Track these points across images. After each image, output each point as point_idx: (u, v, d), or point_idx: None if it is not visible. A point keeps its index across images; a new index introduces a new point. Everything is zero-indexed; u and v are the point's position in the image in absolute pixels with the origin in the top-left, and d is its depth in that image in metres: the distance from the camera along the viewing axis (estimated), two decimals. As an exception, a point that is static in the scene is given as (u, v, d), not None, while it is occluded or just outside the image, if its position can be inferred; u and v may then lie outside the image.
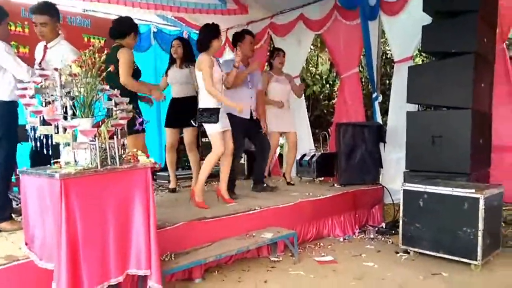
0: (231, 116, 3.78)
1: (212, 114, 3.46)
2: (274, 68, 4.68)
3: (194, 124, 3.85)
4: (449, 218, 3.12)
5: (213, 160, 3.55)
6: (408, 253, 3.37)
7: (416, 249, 3.32)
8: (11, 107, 2.90)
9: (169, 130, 4.34)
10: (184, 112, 4.04)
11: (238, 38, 4.13)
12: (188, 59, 4.22)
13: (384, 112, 5.14)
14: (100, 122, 2.36)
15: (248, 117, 4.07)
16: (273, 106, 4.60)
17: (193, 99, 4.13)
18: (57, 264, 1.96)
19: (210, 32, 3.53)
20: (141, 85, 3.69)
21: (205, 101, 3.53)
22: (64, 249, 1.92)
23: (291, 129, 4.73)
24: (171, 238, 2.79)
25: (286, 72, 4.83)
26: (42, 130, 2.24)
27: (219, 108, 3.47)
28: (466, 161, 3.53)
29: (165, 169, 5.01)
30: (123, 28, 3.66)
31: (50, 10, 3.09)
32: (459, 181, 3.45)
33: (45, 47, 3.13)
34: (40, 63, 3.11)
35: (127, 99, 2.57)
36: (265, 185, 4.32)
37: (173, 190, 4.40)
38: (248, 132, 4.16)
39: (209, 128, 3.53)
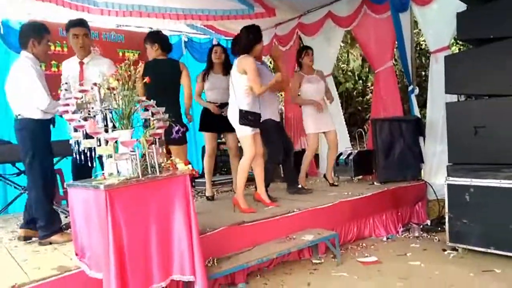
0: (266, 121, 3.82)
1: (256, 119, 3.51)
2: (304, 67, 4.55)
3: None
4: (498, 211, 2.98)
5: (246, 164, 3.55)
6: (456, 250, 3.24)
7: (464, 246, 3.18)
8: (41, 125, 2.97)
9: (209, 135, 4.29)
10: (225, 117, 4.07)
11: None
12: (228, 66, 4.27)
13: (422, 105, 4.99)
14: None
15: (279, 119, 4.12)
16: (311, 107, 4.47)
17: None
18: (106, 272, 2.02)
19: (254, 36, 3.55)
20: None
21: (242, 104, 3.50)
22: (112, 257, 1.98)
23: (331, 128, 4.58)
24: (212, 243, 2.82)
25: (317, 69, 4.67)
26: (85, 144, 2.33)
27: (260, 114, 3.54)
28: (513, 151, 3.35)
29: (203, 175, 5.06)
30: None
31: (87, 25, 3.36)
32: (507, 172, 3.28)
33: (81, 63, 3.26)
34: (80, 81, 3.20)
35: (163, 109, 2.63)
36: (299, 186, 4.28)
37: (212, 198, 4.38)
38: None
39: (240, 131, 3.54)
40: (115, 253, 1.99)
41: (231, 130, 3.88)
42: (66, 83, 3.16)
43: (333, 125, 4.64)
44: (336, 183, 4.66)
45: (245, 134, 3.53)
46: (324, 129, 4.58)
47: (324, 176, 4.87)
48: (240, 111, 3.49)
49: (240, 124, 3.51)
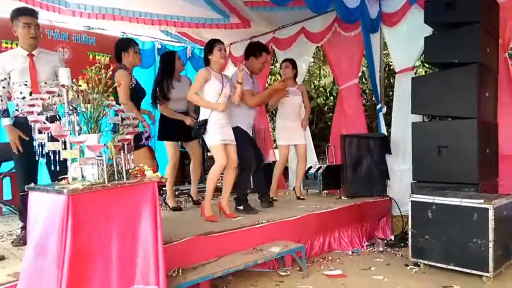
0: (238, 128, 3.84)
1: (200, 127, 3.54)
2: (284, 78, 4.59)
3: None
4: (458, 229, 3.08)
5: (216, 172, 3.56)
6: (418, 265, 3.32)
7: (426, 262, 3.26)
8: None
9: (175, 145, 4.19)
10: (185, 125, 4.05)
11: (253, 52, 4.06)
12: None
13: (389, 123, 5.14)
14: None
15: (251, 133, 4.12)
16: (284, 119, 4.59)
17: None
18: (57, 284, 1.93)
19: (206, 49, 3.67)
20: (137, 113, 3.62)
21: (201, 115, 3.64)
22: (67, 265, 1.90)
23: (301, 141, 4.66)
24: (178, 253, 2.76)
25: (300, 84, 4.80)
26: (49, 146, 2.25)
27: (206, 120, 3.53)
28: (474, 171, 3.50)
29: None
30: (116, 50, 3.77)
31: (38, 16, 3.11)
32: (467, 191, 3.42)
33: (31, 55, 3.04)
34: (32, 74, 3.01)
35: (133, 114, 2.59)
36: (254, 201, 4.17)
37: (179, 209, 4.22)
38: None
39: (208, 140, 3.57)
40: (71, 260, 1.90)
41: (190, 139, 4.01)
42: (5, 78, 3.02)
43: (304, 139, 4.72)
44: (302, 197, 4.67)
45: (212, 144, 3.56)
46: (295, 142, 4.64)
47: (294, 188, 4.89)
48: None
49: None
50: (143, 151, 3.58)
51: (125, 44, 3.73)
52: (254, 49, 4.07)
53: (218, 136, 3.53)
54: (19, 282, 2.10)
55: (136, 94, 3.69)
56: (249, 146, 4.00)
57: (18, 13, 3.03)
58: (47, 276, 1.96)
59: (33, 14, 3.06)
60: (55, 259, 1.94)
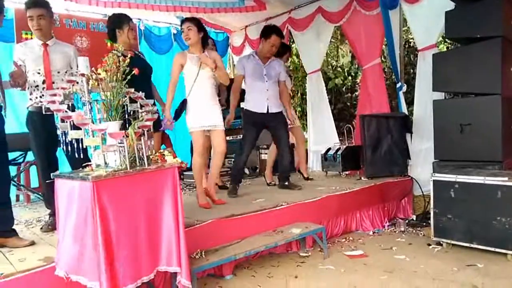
0: (245, 111, 3.80)
1: (179, 109, 3.46)
2: None
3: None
4: (482, 207, 3.04)
5: (195, 162, 3.48)
6: (441, 245, 3.30)
7: (448, 241, 3.24)
8: None
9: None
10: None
11: (262, 33, 4.06)
12: None
13: (410, 102, 5.05)
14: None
15: (265, 111, 3.99)
16: None
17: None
18: (97, 265, 2.00)
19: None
20: None
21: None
22: (102, 250, 1.96)
23: (295, 124, 4.59)
24: (201, 235, 2.82)
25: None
26: (72, 135, 2.30)
27: (185, 99, 3.45)
28: (497, 149, 3.42)
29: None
30: (109, 29, 3.56)
31: (45, 4, 3.05)
32: (491, 169, 3.35)
33: (45, 45, 3.06)
34: (45, 63, 3.03)
35: (151, 101, 2.62)
36: (286, 183, 4.21)
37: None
38: (267, 126, 4.08)
39: (188, 124, 3.49)
40: (105, 247, 1.97)
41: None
42: (20, 65, 3.03)
43: (297, 121, 4.69)
44: (310, 177, 4.67)
45: (190, 129, 3.48)
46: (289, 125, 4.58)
47: (299, 170, 4.89)
48: None
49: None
50: (157, 135, 3.61)
51: (118, 21, 3.45)
52: (263, 31, 4.07)
53: (196, 121, 3.41)
54: (58, 266, 2.18)
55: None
56: (250, 132, 3.97)
57: (25, 6, 3.04)
58: (88, 259, 2.04)
59: (35, 5, 3.00)
60: (92, 243, 2.00)
